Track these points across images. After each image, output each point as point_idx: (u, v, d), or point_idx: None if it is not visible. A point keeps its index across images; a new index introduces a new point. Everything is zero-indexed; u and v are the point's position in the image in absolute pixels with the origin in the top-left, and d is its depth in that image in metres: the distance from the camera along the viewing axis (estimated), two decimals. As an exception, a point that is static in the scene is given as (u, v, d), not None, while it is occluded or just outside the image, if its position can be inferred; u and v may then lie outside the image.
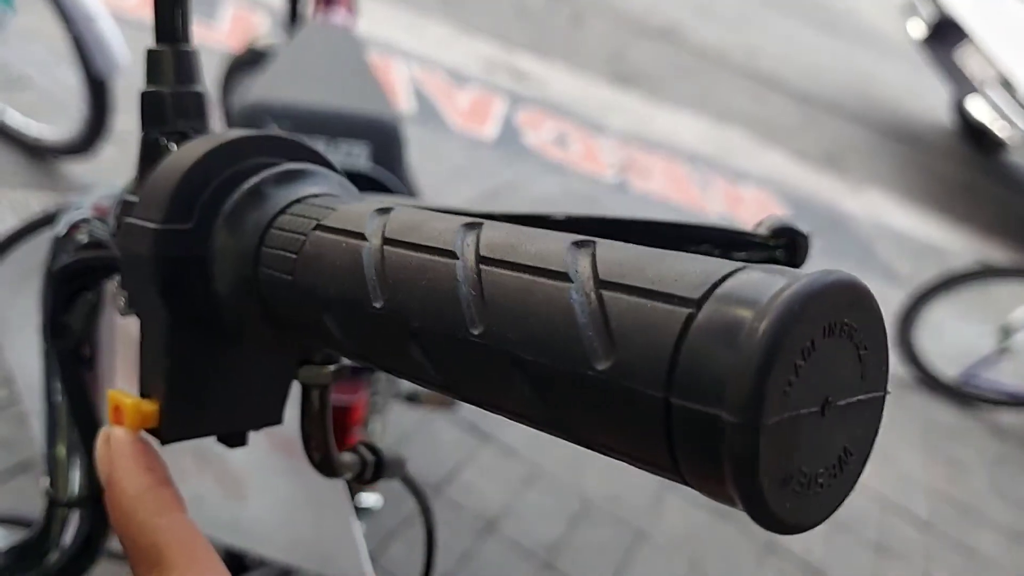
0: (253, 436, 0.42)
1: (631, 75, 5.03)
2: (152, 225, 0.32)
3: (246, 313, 0.34)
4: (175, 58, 0.37)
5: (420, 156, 3.22)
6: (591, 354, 0.23)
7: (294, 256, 0.32)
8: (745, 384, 0.20)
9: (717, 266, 0.23)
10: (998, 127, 4.63)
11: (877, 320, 0.24)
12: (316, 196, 0.34)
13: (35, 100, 2.59)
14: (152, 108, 0.37)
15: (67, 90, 2.36)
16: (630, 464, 0.24)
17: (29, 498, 1.51)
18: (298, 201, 0.34)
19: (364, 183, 1.00)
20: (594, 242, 0.26)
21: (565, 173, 3.71)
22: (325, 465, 0.41)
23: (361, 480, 0.43)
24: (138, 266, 0.33)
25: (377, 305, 0.29)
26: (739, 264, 0.23)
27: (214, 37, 3.54)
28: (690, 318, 0.22)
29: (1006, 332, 3.04)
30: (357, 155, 1.03)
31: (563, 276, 0.25)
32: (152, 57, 0.37)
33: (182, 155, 0.34)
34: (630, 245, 0.26)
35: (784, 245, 0.41)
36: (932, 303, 3.02)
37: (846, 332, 0.23)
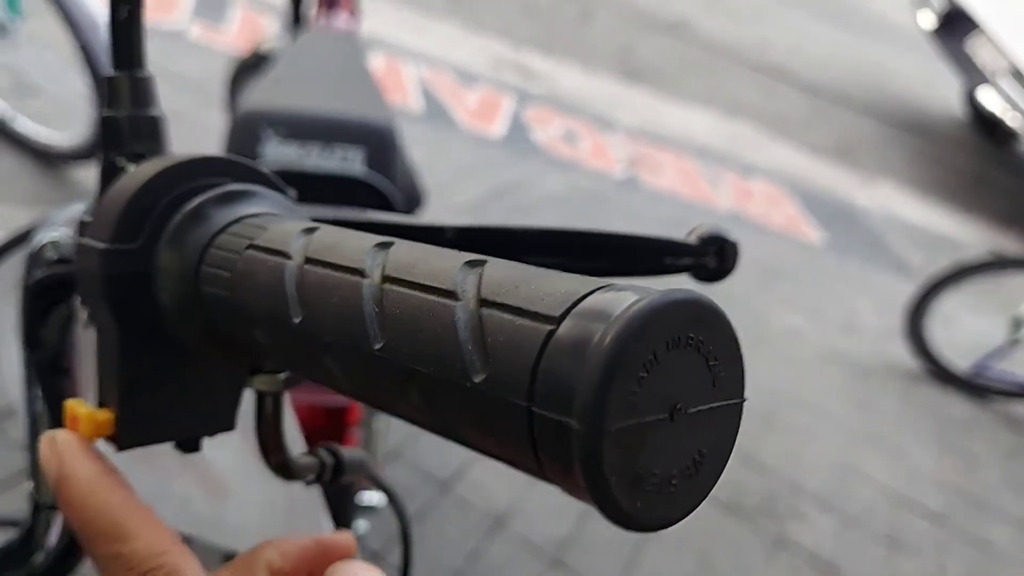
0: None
1: (640, 71, 5.03)
2: (101, 245, 0.34)
3: (190, 327, 0.35)
4: (131, 84, 0.39)
5: (428, 155, 3.23)
6: (470, 367, 0.25)
7: (228, 274, 0.33)
8: (589, 394, 0.22)
9: (582, 285, 0.25)
10: (1010, 117, 4.60)
11: (726, 333, 0.25)
12: (254, 216, 0.36)
13: (44, 107, 2.61)
14: (110, 132, 0.39)
15: (76, 96, 2.38)
16: (509, 467, 0.26)
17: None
18: (236, 221, 0.35)
19: (358, 188, 1.01)
20: (485, 261, 0.28)
21: (574, 170, 3.72)
22: (282, 469, 0.42)
23: (321, 482, 0.44)
24: (91, 283, 0.34)
25: (296, 320, 0.31)
26: (603, 282, 0.25)
27: (222, 40, 3.56)
28: (550, 334, 0.24)
29: (1018, 323, 3.02)
30: (352, 160, 1.04)
31: (452, 295, 0.27)
32: (110, 83, 0.39)
33: (131, 178, 0.35)
34: (518, 264, 0.28)
35: (714, 252, 0.42)
36: (943, 294, 3.00)
37: (692, 345, 0.24)
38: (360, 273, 0.29)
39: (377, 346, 0.28)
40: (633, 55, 5.22)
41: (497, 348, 0.25)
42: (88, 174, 2.53)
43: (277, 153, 1.05)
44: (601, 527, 1.95)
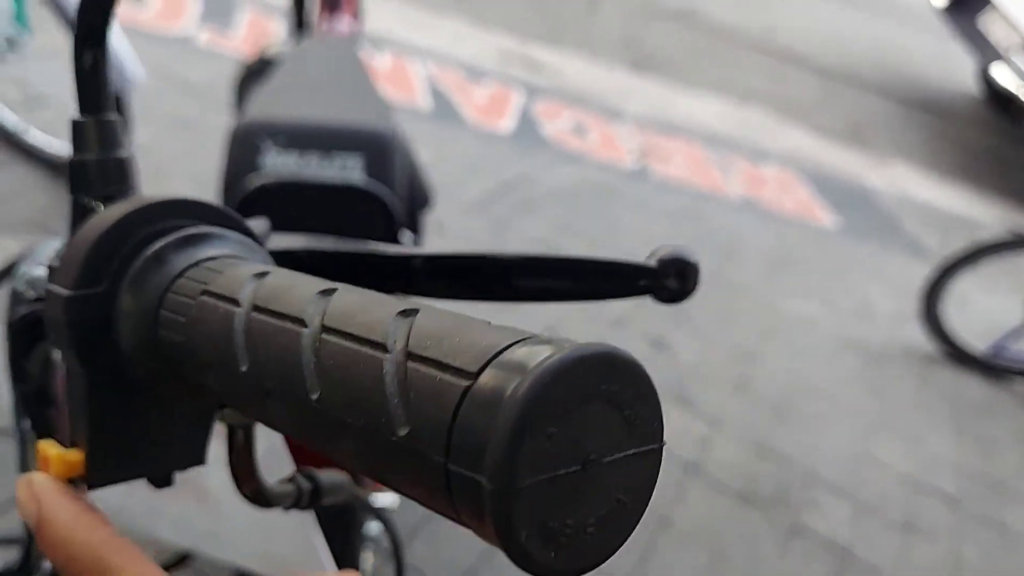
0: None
1: (648, 59, 5.01)
2: (65, 293, 0.35)
3: (151, 370, 0.36)
4: (98, 127, 0.40)
5: (438, 152, 3.24)
6: (395, 421, 0.25)
7: (184, 320, 0.34)
8: (498, 452, 0.22)
9: (503, 337, 0.25)
10: (1024, 94, 4.56)
11: (642, 383, 0.26)
12: (212, 259, 0.36)
13: (54, 118, 2.64)
14: (78, 175, 0.40)
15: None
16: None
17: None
18: (195, 265, 0.36)
19: (358, 197, 1.02)
20: (417, 311, 0.28)
21: (583, 162, 3.72)
22: (257, 498, 0.43)
23: (299, 507, 0.45)
24: (57, 329, 0.35)
25: (243, 368, 0.31)
26: (524, 335, 0.25)
27: (230, 44, 3.58)
28: (467, 390, 0.24)
29: (1035, 303, 3.00)
30: (352, 168, 1.05)
31: (382, 347, 0.27)
32: (76, 128, 0.40)
33: (96, 223, 0.36)
34: (450, 313, 0.28)
35: (674, 274, 0.42)
36: (959, 275, 2.98)
37: (605, 397, 0.25)
38: (301, 322, 0.30)
39: (314, 396, 0.28)
40: (640, 44, 5.21)
41: (420, 403, 0.25)
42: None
43: (277, 163, 1.06)
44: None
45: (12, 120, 2.56)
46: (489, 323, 0.27)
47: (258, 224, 0.42)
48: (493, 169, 3.39)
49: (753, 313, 3.04)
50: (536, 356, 0.23)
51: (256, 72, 1.99)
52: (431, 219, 2.41)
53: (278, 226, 1.10)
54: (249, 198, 1.02)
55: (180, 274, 0.35)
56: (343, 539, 1.08)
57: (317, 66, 1.44)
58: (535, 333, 0.25)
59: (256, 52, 2.02)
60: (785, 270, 3.40)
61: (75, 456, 0.38)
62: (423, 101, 3.70)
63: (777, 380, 2.70)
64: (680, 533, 1.99)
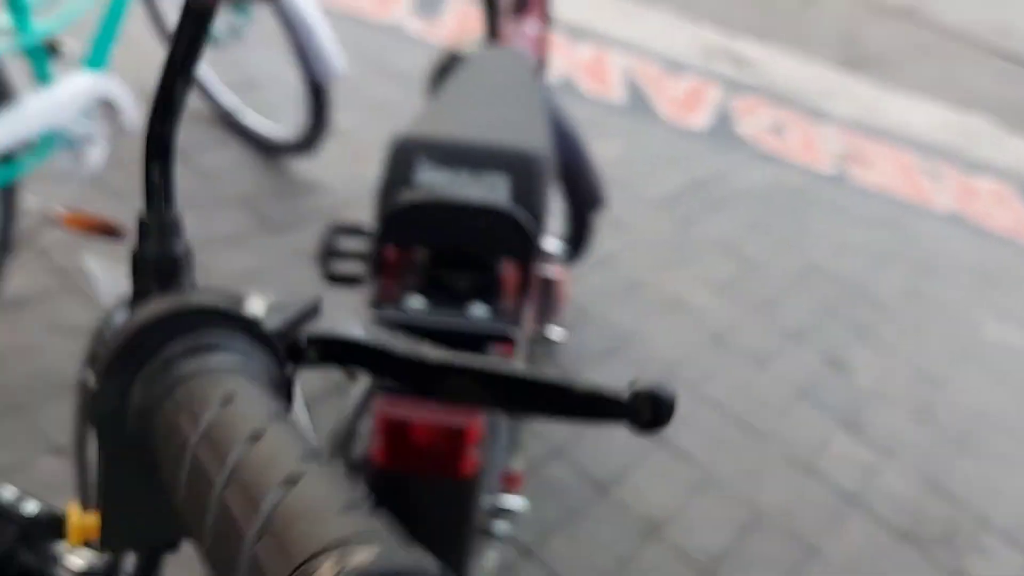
0: None
1: (864, 58, 4.77)
2: (93, 385, 0.39)
3: (152, 460, 0.39)
4: (159, 226, 0.45)
5: (628, 146, 3.25)
6: None
7: (165, 433, 0.37)
8: None
9: (335, 534, 0.25)
10: None
11: None
12: (209, 372, 0.39)
13: (265, 101, 2.84)
14: (139, 268, 0.45)
15: (292, 93, 2.58)
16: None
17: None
18: (192, 377, 0.38)
19: (499, 219, 1.05)
20: (301, 476, 0.28)
21: (778, 163, 3.60)
22: None
23: None
24: (86, 408, 0.40)
25: (180, 498, 0.34)
26: (366, 534, 0.25)
27: (438, 33, 3.71)
28: None
29: None
30: (499, 188, 1.09)
31: (253, 516, 0.27)
32: (141, 225, 0.45)
33: (132, 322, 0.40)
34: (336, 482, 0.28)
35: (647, 407, 0.41)
36: None
37: None
38: (221, 467, 0.31)
39: (205, 548, 0.29)
40: (858, 41, 4.96)
41: None
42: (304, 165, 2.73)
43: (430, 179, 1.12)
44: (763, 543, 1.92)
45: (233, 102, 2.78)
46: (360, 501, 0.27)
47: (305, 304, 0.45)
48: (682, 166, 3.35)
49: (947, 335, 2.87)
50: (334, 569, 0.23)
51: (446, 68, 2.07)
52: (610, 215, 2.42)
53: (426, 239, 1.16)
54: (398, 213, 1.08)
55: (178, 383, 0.38)
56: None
57: (486, 78, 1.48)
58: (380, 530, 0.25)
59: (448, 48, 2.11)
60: (990, 291, 3.17)
61: (92, 521, 0.42)
62: (617, 93, 3.70)
63: (963, 411, 2.53)
64: (828, 564, 1.92)
